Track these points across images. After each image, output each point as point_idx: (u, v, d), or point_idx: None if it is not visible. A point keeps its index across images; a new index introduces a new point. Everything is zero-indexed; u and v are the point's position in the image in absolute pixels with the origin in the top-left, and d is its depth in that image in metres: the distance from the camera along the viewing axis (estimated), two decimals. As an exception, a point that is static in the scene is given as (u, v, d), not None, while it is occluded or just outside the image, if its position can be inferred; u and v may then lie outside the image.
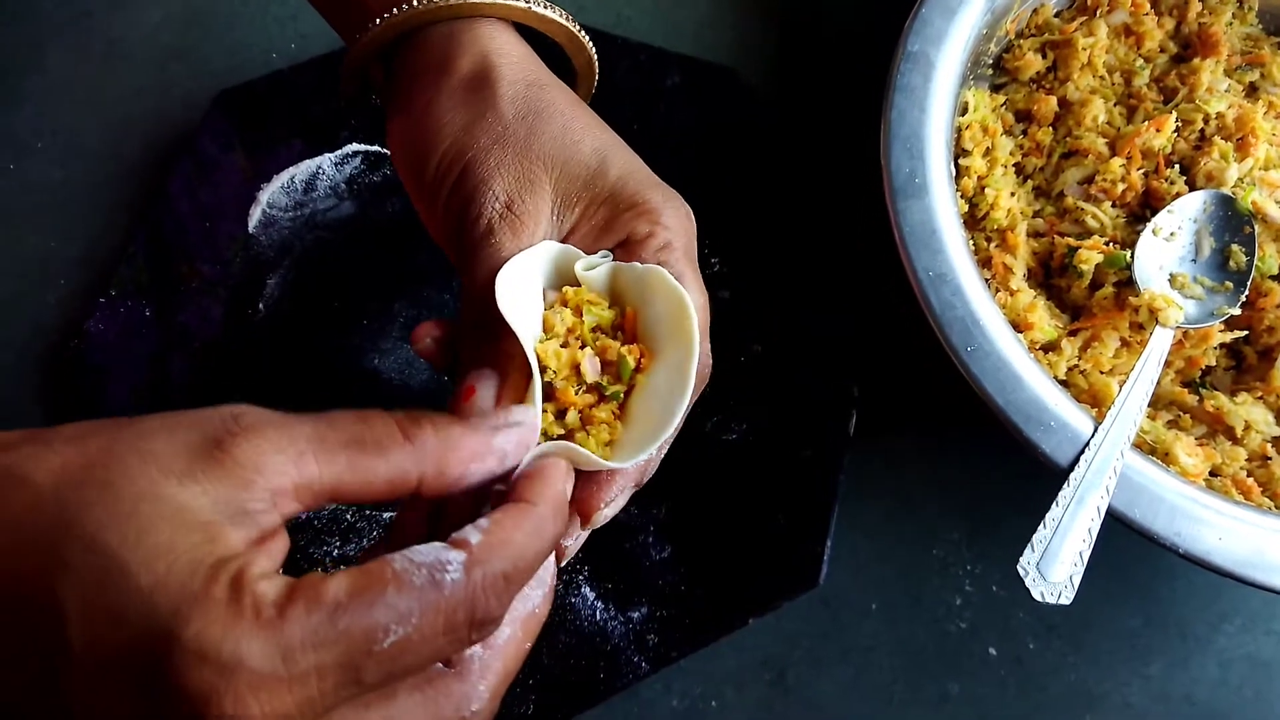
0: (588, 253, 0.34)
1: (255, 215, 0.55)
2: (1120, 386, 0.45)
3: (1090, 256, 0.49)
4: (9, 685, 0.24)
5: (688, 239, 0.35)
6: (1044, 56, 0.55)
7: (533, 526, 0.27)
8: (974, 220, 0.52)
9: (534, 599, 0.29)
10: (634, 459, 0.31)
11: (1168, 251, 0.50)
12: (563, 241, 0.35)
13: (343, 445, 0.26)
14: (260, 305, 0.53)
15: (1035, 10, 0.56)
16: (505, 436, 0.29)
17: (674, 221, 0.35)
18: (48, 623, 0.23)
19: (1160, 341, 0.46)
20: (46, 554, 0.23)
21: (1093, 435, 0.42)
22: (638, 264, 0.33)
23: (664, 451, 0.34)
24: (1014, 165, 0.54)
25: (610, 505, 0.32)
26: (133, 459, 0.24)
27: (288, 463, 0.25)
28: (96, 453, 0.24)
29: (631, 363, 0.32)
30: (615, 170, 0.35)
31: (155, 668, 0.22)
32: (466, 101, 0.36)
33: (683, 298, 0.31)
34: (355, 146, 0.56)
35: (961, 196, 0.51)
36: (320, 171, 0.56)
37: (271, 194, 0.55)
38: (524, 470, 0.29)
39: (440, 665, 0.27)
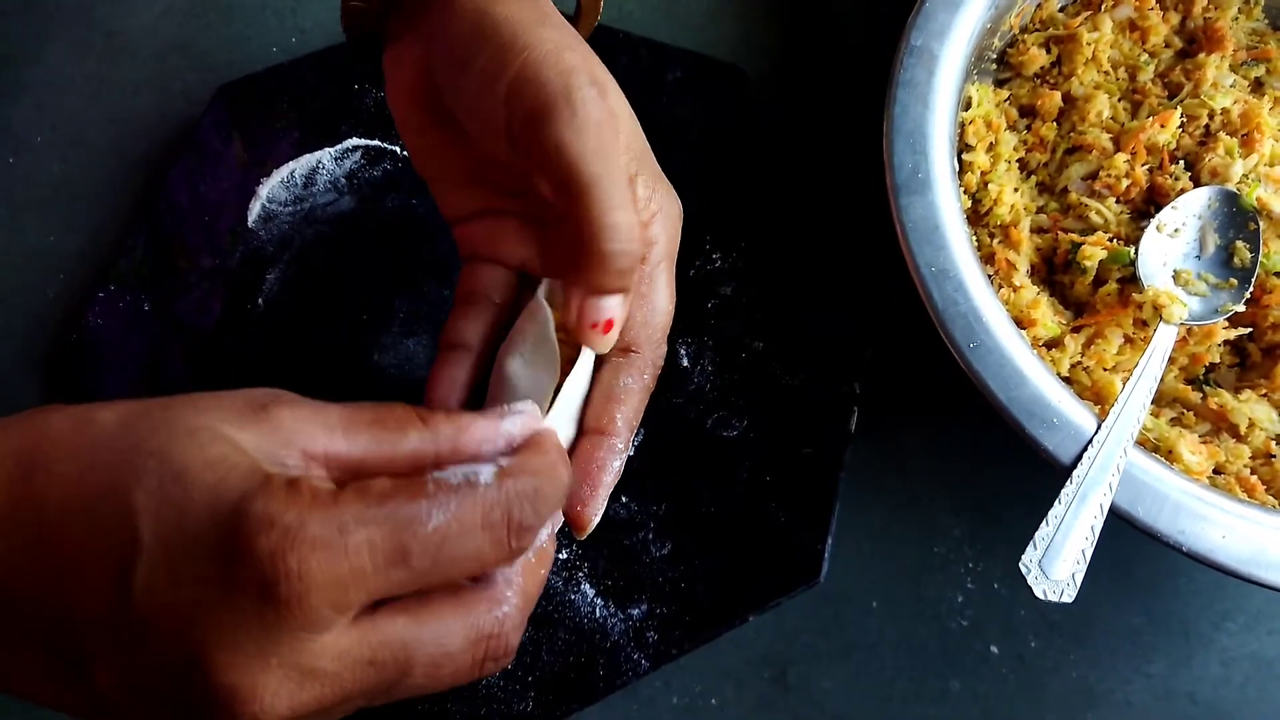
0: None
1: (255, 210, 0.54)
2: (1123, 383, 0.44)
3: (1094, 253, 0.49)
4: (82, 595, 0.25)
5: (671, 240, 0.36)
6: (1048, 51, 0.55)
7: (549, 461, 0.29)
8: (977, 216, 0.51)
9: (541, 535, 0.31)
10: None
11: (1172, 248, 0.50)
12: None
13: (367, 424, 0.28)
14: (259, 300, 0.53)
15: (1039, 5, 0.55)
16: (511, 422, 0.30)
17: (668, 220, 0.36)
18: (121, 525, 0.25)
19: (1164, 338, 0.46)
20: (119, 468, 0.25)
21: (1096, 432, 0.42)
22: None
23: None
24: (1018, 161, 0.54)
25: None
26: (187, 409, 0.27)
27: (320, 432, 0.28)
28: (152, 406, 0.27)
29: None
30: (639, 143, 0.35)
31: (223, 542, 0.24)
32: (516, 2, 0.34)
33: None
34: (355, 141, 0.56)
35: (965, 192, 0.51)
36: (320, 166, 0.55)
37: (271, 188, 0.55)
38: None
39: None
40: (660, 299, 0.35)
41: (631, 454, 0.49)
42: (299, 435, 0.27)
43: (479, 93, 0.33)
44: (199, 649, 0.24)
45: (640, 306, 0.35)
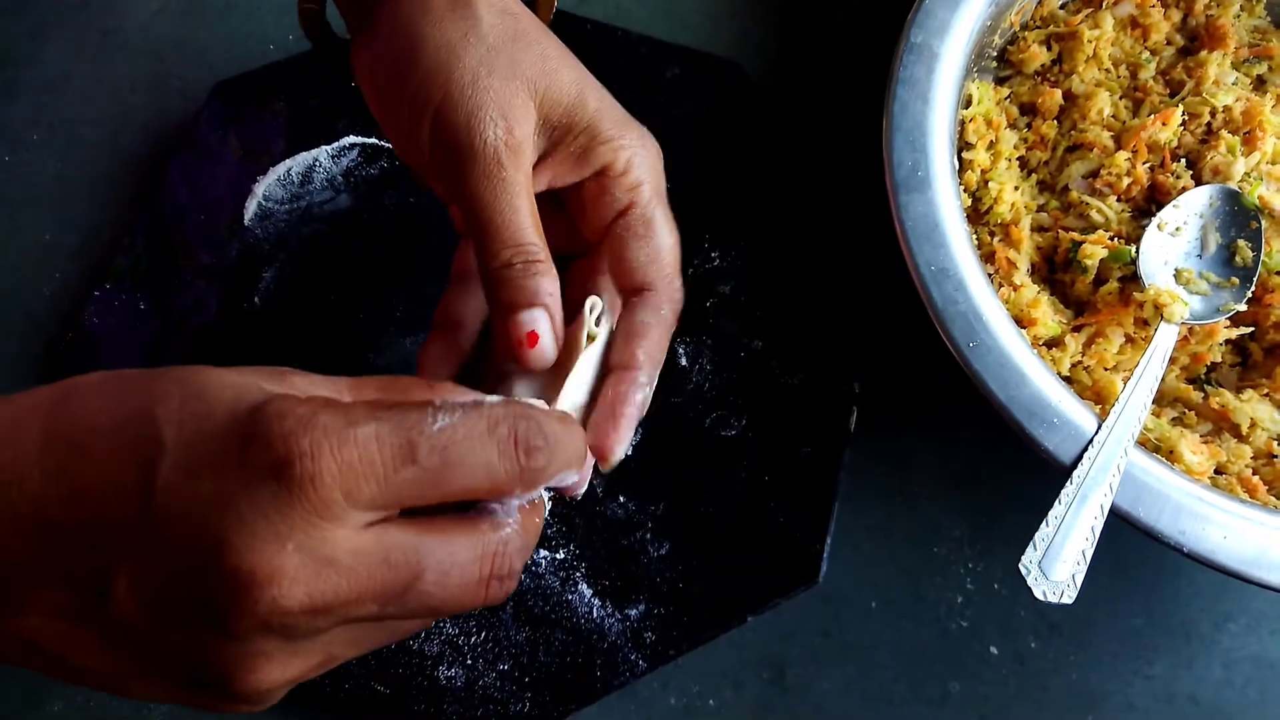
0: (561, 180, 0.37)
1: (251, 208, 0.54)
2: (1124, 383, 0.44)
3: (1095, 251, 0.48)
4: (107, 502, 0.26)
5: (657, 177, 0.38)
6: (1049, 49, 0.55)
7: (556, 415, 0.30)
8: (977, 215, 0.51)
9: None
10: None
11: (1173, 247, 0.49)
12: (537, 165, 0.36)
13: (375, 388, 0.30)
14: (255, 299, 0.52)
15: (1040, 2, 0.55)
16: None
17: (646, 159, 0.37)
18: (145, 435, 0.26)
19: (1165, 338, 0.46)
20: (144, 394, 0.27)
21: (1096, 432, 0.42)
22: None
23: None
24: (1018, 159, 0.53)
25: None
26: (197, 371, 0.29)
27: (331, 393, 0.29)
28: (161, 371, 0.29)
29: None
30: (593, 102, 0.37)
31: (239, 434, 0.26)
32: (446, 19, 0.36)
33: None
34: (352, 139, 0.56)
35: (965, 190, 0.51)
36: (317, 164, 0.55)
37: (267, 186, 0.55)
38: None
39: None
40: (662, 236, 0.37)
41: (630, 452, 0.49)
42: (312, 395, 0.28)
43: (412, 121, 0.36)
44: (217, 536, 0.25)
45: (642, 247, 0.36)
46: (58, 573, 0.26)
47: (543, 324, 0.34)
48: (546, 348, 0.34)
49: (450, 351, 0.38)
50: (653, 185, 0.37)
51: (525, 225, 0.34)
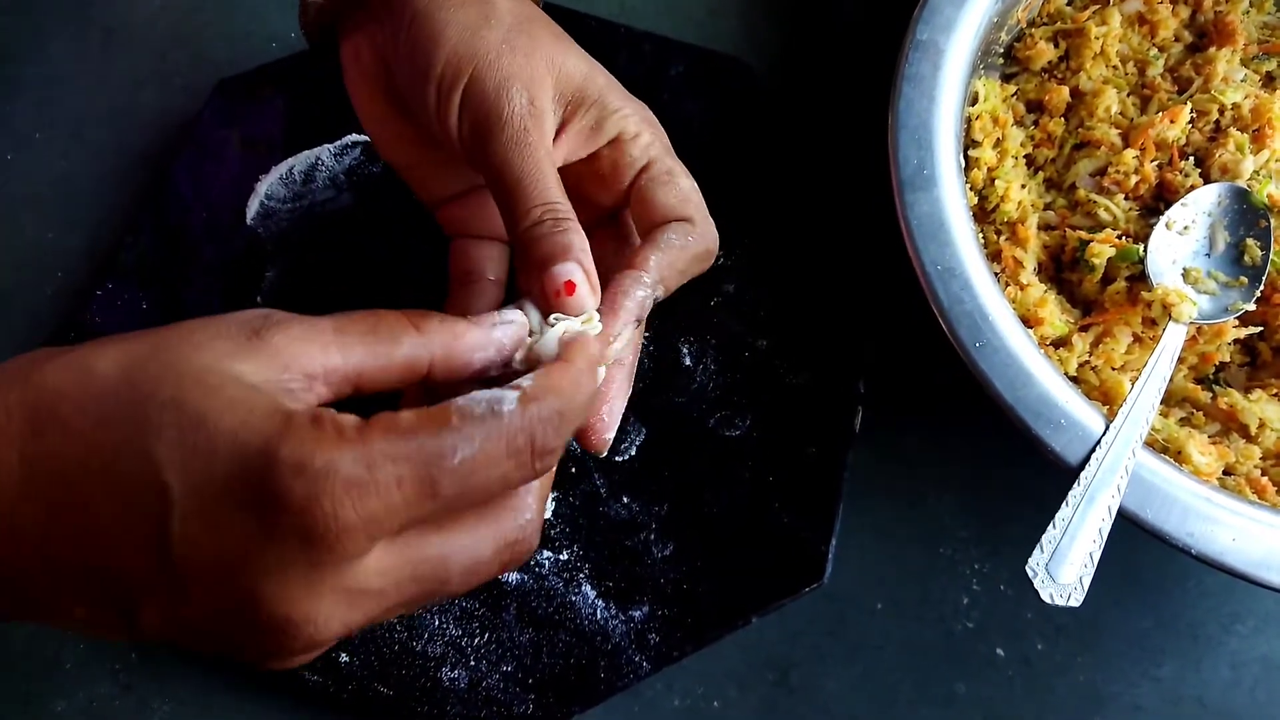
0: (576, 153, 0.39)
1: (253, 207, 0.54)
2: (1132, 383, 0.44)
3: (1102, 250, 0.48)
4: (121, 554, 0.26)
5: (663, 140, 0.40)
6: (1056, 45, 0.54)
7: (573, 378, 0.30)
8: (983, 213, 0.51)
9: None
10: None
11: (1181, 245, 0.49)
12: (555, 138, 0.38)
13: (360, 335, 0.29)
14: (258, 298, 0.52)
15: (1047, -1, 0.55)
16: (503, 331, 0.32)
17: (653, 125, 0.39)
18: (148, 481, 0.25)
19: (1173, 337, 0.46)
20: (132, 422, 0.25)
21: (1104, 433, 0.42)
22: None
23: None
24: (1025, 157, 0.53)
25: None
26: (185, 347, 0.27)
27: (316, 350, 0.28)
28: (148, 347, 0.27)
29: None
30: (601, 79, 0.39)
31: (256, 489, 0.25)
32: (467, 4, 0.37)
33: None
34: (354, 137, 0.56)
35: (971, 189, 0.50)
36: (319, 162, 0.55)
37: (270, 185, 0.54)
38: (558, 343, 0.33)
39: None
40: (685, 181, 0.38)
41: (633, 453, 0.49)
42: (297, 358, 0.28)
43: (440, 101, 0.37)
44: (250, 589, 0.25)
45: (671, 192, 0.38)
46: (74, 596, 0.27)
47: (578, 274, 0.34)
48: (584, 295, 0.34)
49: None
50: (662, 145, 0.39)
51: (552, 185, 0.35)
